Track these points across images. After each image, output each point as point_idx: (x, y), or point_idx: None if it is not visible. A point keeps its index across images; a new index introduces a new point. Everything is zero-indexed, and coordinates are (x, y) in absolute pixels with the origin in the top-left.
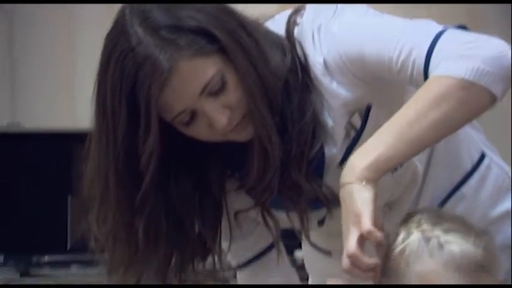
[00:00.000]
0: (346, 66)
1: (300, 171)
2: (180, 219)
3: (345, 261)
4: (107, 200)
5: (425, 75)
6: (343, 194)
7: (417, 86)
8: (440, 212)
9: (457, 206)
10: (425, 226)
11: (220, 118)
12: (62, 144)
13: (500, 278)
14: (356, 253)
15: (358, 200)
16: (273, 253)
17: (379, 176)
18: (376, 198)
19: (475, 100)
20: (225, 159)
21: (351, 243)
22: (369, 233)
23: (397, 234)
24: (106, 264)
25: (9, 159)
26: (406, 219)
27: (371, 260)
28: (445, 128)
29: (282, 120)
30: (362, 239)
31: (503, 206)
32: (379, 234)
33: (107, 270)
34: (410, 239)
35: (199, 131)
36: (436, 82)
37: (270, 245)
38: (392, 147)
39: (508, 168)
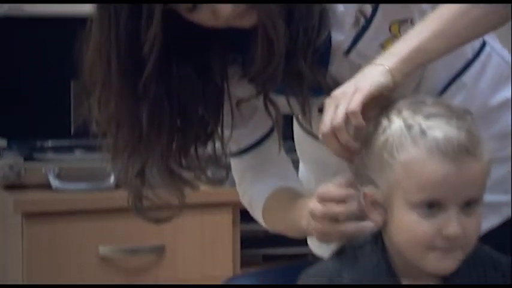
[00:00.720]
0: None
1: (306, 60)
2: (183, 104)
3: (327, 126)
4: (109, 87)
5: None
6: (365, 69)
7: None
8: (420, 98)
9: (457, 95)
10: (406, 113)
11: (224, 6)
12: (64, 29)
13: (485, 161)
14: (342, 125)
15: (370, 78)
16: (270, 141)
17: (410, 69)
18: (388, 91)
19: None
20: (229, 45)
21: (340, 114)
22: (353, 113)
23: (378, 124)
24: (110, 150)
25: (11, 44)
26: (386, 108)
27: (354, 142)
28: (483, 27)
29: (288, 8)
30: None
31: (502, 95)
32: (360, 120)
33: (111, 156)
34: (392, 129)
35: (203, 18)
36: None
37: (268, 132)
38: (432, 40)
39: (508, 57)
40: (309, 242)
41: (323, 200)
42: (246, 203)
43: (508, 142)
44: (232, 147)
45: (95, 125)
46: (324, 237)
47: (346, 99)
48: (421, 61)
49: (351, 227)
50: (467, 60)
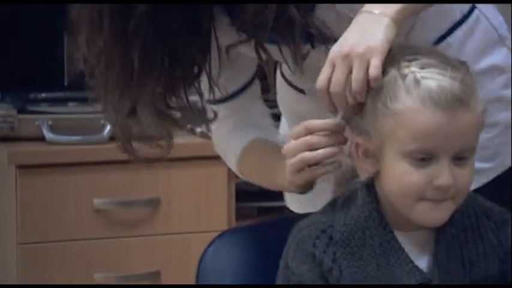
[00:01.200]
0: None
1: (298, 7)
2: (173, 44)
3: (340, 86)
4: (99, 30)
5: None
6: (366, 18)
7: None
8: (416, 48)
9: None
10: (401, 63)
11: None
12: None
13: (479, 112)
14: (363, 89)
15: (380, 35)
16: (250, 91)
17: (405, 18)
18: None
19: None
20: None
21: (360, 79)
22: (376, 79)
23: None
24: (100, 90)
25: None
26: None
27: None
28: None
29: None
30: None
31: (488, 61)
32: (379, 82)
33: (102, 95)
34: (386, 78)
35: None
36: None
37: (249, 81)
38: None
39: (497, 22)
40: (286, 199)
41: (305, 130)
42: (220, 150)
43: (492, 109)
44: (222, 91)
45: (83, 62)
46: (296, 172)
47: (361, 61)
48: (414, 10)
49: (325, 151)
50: (454, 21)
